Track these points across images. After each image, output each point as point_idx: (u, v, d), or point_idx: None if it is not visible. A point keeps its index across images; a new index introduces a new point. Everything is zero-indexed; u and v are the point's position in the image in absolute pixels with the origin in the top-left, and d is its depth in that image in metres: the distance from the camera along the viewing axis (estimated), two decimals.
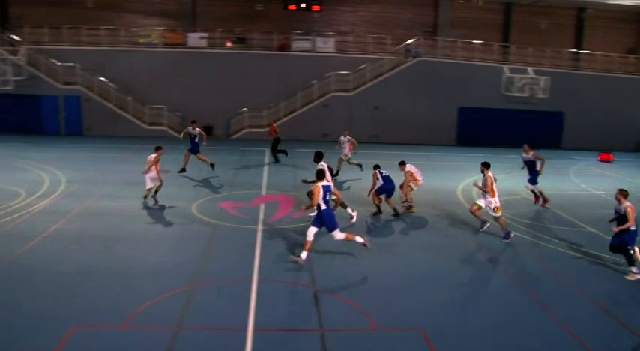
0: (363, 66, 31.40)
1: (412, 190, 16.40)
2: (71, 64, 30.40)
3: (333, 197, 13.97)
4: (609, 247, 11.85)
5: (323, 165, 13.96)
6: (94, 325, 8.82)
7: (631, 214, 11.27)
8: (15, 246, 12.32)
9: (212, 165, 20.45)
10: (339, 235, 11.75)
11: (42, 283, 10.46)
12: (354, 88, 31.48)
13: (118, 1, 33.65)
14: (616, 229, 11.49)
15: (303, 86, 31.18)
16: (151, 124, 30.88)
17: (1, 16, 33.21)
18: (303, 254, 11.57)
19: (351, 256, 12.59)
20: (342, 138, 21.11)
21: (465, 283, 11.36)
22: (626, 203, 11.42)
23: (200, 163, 20.58)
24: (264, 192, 18.38)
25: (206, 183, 19.45)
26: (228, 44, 32.06)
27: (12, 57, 29.76)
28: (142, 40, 31.96)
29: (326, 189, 11.60)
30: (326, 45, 32.23)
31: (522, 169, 17.83)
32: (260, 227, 14.29)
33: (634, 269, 11.48)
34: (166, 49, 31.46)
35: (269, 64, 31.26)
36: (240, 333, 8.61)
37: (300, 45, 32.10)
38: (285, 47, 32.00)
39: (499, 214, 13.79)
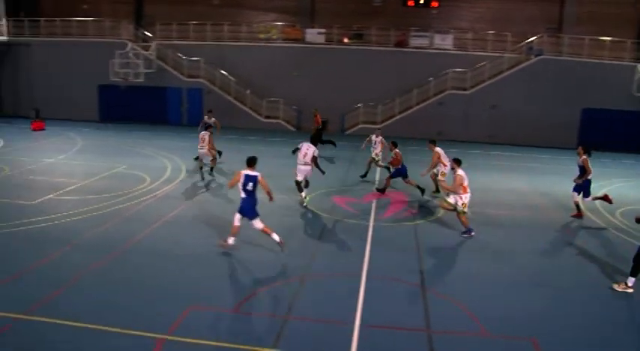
0: (481, 64, 30.47)
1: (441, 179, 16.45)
2: (195, 58, 32.05)
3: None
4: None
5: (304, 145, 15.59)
6: (208, 307, 9.24)
7: None
8: (140, 228, 13.20)
9: (219, 152, 20.67)
10: (258, 224, 11.48)
11: (162, 264, 11.13)
12: (472, 87, 30.65)
13: None
14: None
15: (420, 83, 30.81)
16: (268, 117, 31.81)
17: (136, 14, 35.64)
18: (230, 239, 11.52)
19: (460, 258, 12.38)
20: (373, 137, 20.11)
21: (571, 290, 10.70)
22: None
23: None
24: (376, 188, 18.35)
25: (321, 177, 19.64)
26: (346, 40, 32.32)
27: (144, 52, 31.87)
28: (261, 36, 32.97)
29: (249, 178, 11.20)
30: (444, 42, 31.57)
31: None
32: (371, 223, 14.31)
33: (630, 282, 10.52)
34: (285, 45, 32.27)
35: (385, 60, 31.16)
36: (346, 327, 8.67)
37: (417, 41, 31.69)
38: (402, 43, 31.74)
39: (465, 210, 13.42)
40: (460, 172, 13.36)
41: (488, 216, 15.54)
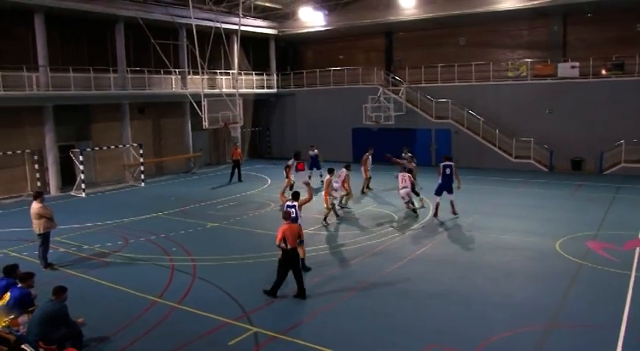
0: None
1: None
2: (443, 99, 32.60)
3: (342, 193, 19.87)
4: None
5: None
6: (447, 347, 9.30)
7: None
8: (386, 264, 13.91)
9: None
10: None
11: (404, 299, 11.53)
12: None
13: (488, 38, 34.49)
14: None
15: None
16: (517, 157, 30.75)
17: (386, 60, 37.80)
18: None
19: None
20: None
21: None
22: None
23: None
24: None
25: (573, 220, 18.42)
26: (603, 72, 29.91)
27: (394, 95, 33.49)
28: (510, 73, 32.24)
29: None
30: None
31: None
32: (634, 273, 12.89)
33: None
34: (534, 81, 31.06)
35: None
36: None
37: None
38: None
39: None
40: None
41: None
